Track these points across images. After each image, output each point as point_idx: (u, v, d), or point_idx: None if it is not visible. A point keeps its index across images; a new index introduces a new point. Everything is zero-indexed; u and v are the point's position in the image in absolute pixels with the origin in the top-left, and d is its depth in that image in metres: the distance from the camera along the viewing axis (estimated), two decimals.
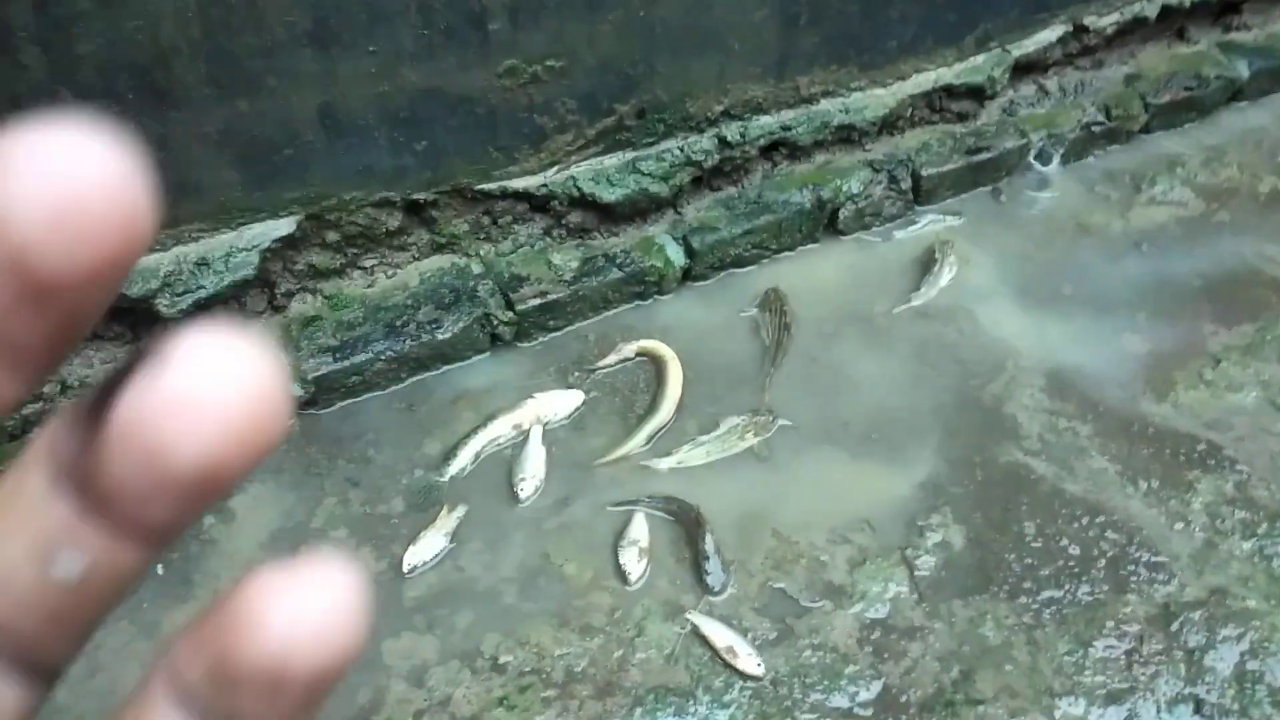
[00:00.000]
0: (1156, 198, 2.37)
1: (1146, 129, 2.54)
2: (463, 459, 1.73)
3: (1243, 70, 2.62)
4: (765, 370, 1.93)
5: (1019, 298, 2.11)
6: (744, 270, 2.17)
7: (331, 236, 1.85)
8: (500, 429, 1.78)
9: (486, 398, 1.87)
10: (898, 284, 2.14)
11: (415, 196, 1.87)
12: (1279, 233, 2.27)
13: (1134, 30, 2.53)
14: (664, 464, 1.75)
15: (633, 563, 1.56)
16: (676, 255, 2.07)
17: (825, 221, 2.21)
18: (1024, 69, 2.42)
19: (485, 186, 1.92)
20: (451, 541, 1.62)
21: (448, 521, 1.64)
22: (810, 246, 2.23)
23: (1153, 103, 2.51)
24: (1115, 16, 2.46)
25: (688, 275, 2.11)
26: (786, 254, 2.21)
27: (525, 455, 1.73)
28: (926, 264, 2.16)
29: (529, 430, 1.78)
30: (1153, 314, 2.06)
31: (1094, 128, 2.44)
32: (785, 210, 2.15)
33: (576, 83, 1.87)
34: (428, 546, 1.60)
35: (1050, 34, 2.39)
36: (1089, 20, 2.43)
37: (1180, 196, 2.37)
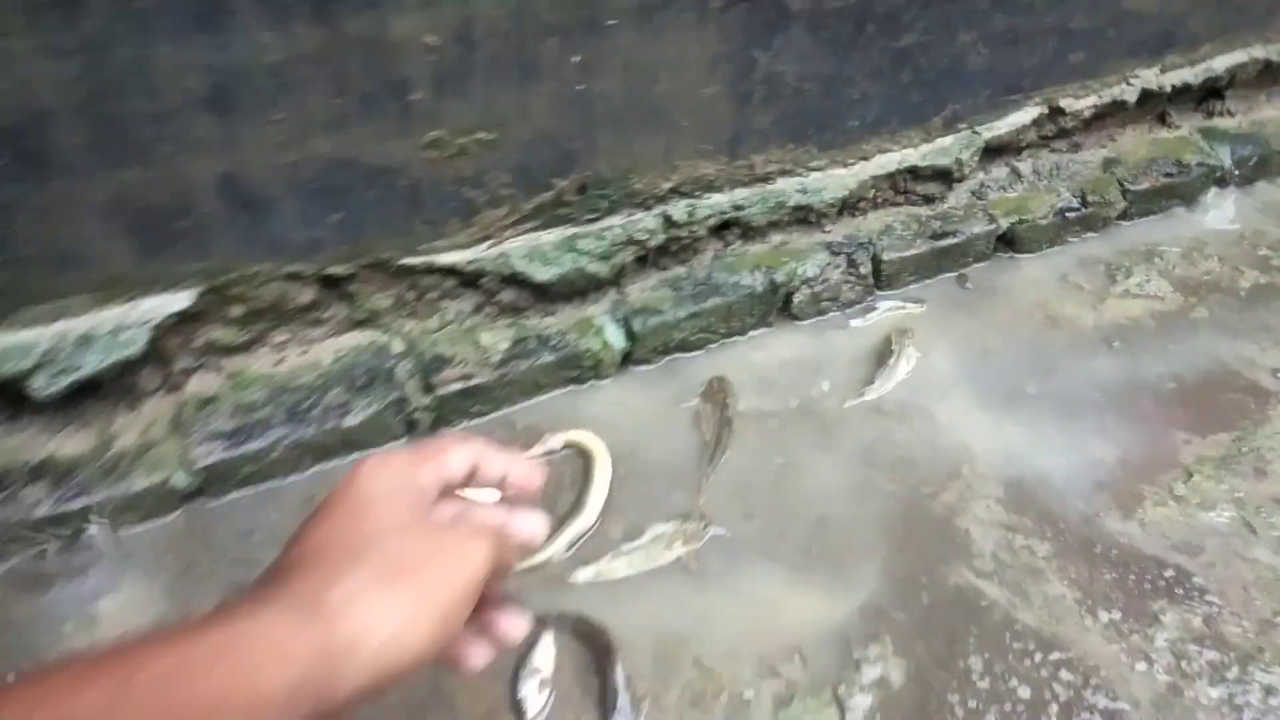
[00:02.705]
0: (1132, 290, 2.25)
1: (1125, 216, 2.43)
2: None
3: (1225, 157, 2.52)
4: (702, 470, 1.79)
5: (980, 395, 1.97)
6: (690, 355, 2.04)
7: (236, 311, 1.72)
8: None
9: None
10: (852, 375, 2.01)
11: (331, 270, 1.74)
12: (1259, 331, 2.15)
13: (1113, 114, 2.44)
14: (582, 575, 1.60)
15: (532, 695, 1.41)
16: (616, 338, 1.94)
17: (779, 305, 2.09)
18: (995, 151, 2.31)
19: (409, 261, 1.80)
20: None
21: None
22: (762, 331, 2.10)
23: (1131, 189, 2.41)
24: (1093, 100, 2.36)
25: (628, 359, 1.98)
26: (737, 339, 2.08)
27: None
28: (883, 354, 2.03)
29: None
30: (1122, 418, 1.93)
31: (1069, 214, 2.33)
32: (735, 293, 2.02)
33: (509, 156, 1.75)
34: None
35: (1024, 115, 2.29)
36: (1065, 103, 2.33)
37: (1157, 289, 2.26)
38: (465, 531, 0.80)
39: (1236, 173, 2.55)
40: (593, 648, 1.48)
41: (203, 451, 1.66)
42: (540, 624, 1.51)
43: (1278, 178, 2.63)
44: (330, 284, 1.78)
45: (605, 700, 1.41)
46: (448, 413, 1.82)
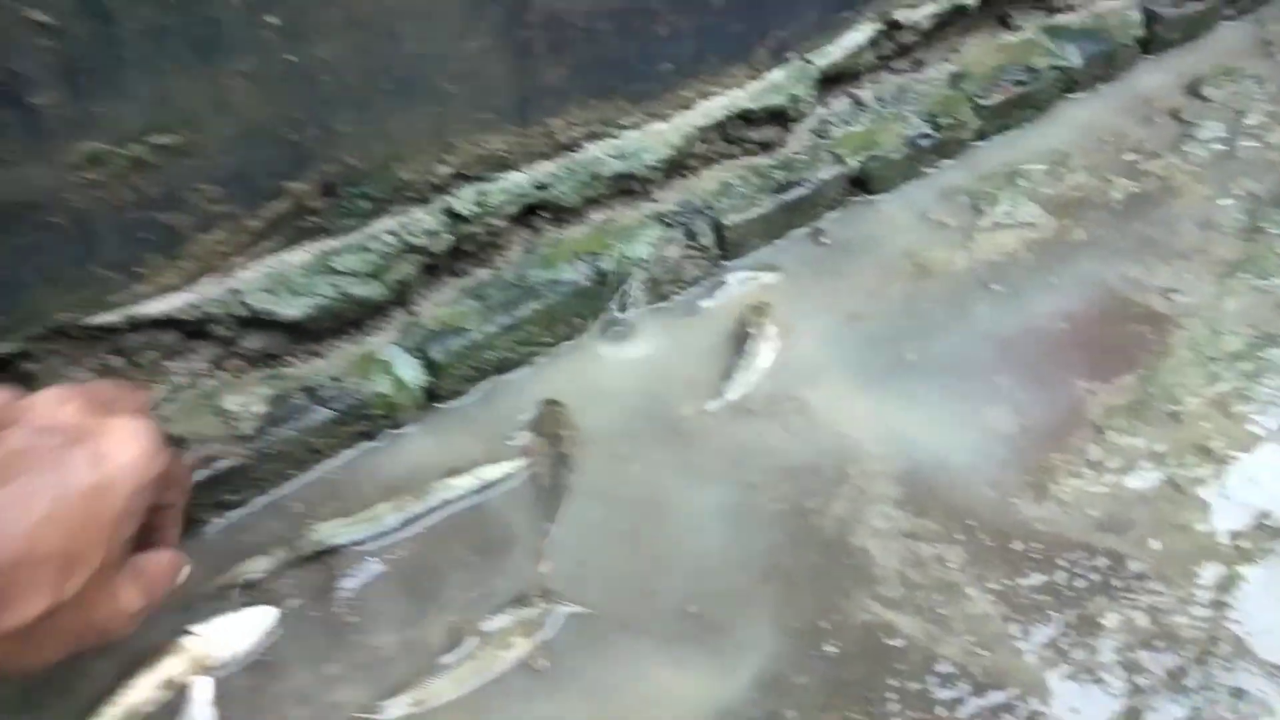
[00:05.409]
0: (1001, 220, 1.99)
1: (980, 136, 2.17)
2: None
3: (1075, 57, 2.29)
4: (540, 529, 1.42)
5: (855, 373, 1.67)
6: (511, 376, 1.64)
7: None
8: (143, 692, 1.19)
9: (132, 634, 1.27)
10: (709, 370, 1.67)
11: None
12: (1141, 247, 1.94)
13: (954, 21, 2.16)
14: (392, 709, 1.21)
15: None
16: (411, 374, 1.53)
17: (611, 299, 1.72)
18: (832, 80, 1.99)
19: (102, 319, 1.33)
20: None
21: None
22: (596, 332, 1.72)
23: (983, 104, 2.14)
24: (931, 7, 2.07)
25: (432, 396, 1.57)
26: (566, 346, 1.70)
27: None
28: (740, 339, 1.70)
29: (191, 687, 1.20)
30: (1016, 375, 1.67)
31: (921, 142, 2.05)
32: (556, 292, 1.64)
33: (212, 161, 1.29)
34: None
35: (858, 35, 1.97)
36: (901, 14, 2.03)
37: (1027, 215, 2.01)
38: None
39: (1087, 72, 2.33)
40: None
41: None
42: None
43: (1126, 73, 2.43)
44: None
45: None
46: (193, 510, 1.37)
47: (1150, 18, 2.42)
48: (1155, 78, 2.41)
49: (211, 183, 1.31)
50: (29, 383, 1.33)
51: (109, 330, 1.35)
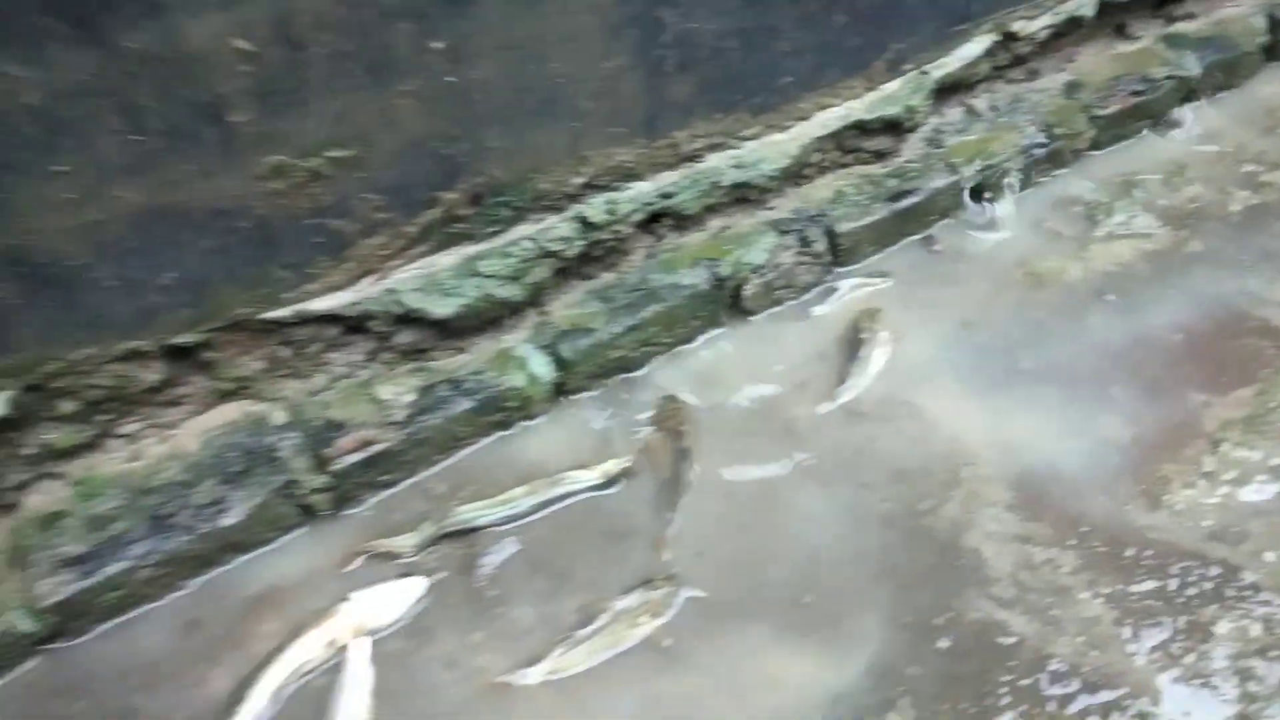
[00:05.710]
0: (1116, 230, 1.99)
1: (1095, 145, 2.17)
2: (255, 704, 1.27)
3: (1193, 66, 2.27)
4: (662, 518, 1.51)
5: (968, 378, 1.71)
6: (634, 374, 1.74)
7: (67, 406, 1.39)
8: (309, 650, 1.32)
9: (297, 596, 1.42)
10: (822, 373, 1.74)
11: (176, 340, 1.42)
12: (1261, 260, 1.92)
13: (1069, 32, 2.16)
14: (531, 676, 1.32)
15: None
16: (543, 369, 1.64)
17: (728, 302, 1.80)
18: (947, 90, 2.03)
19: (275, 314, 1.47)
20: None
21: None
22: (712, 334, 1.81)
23: (1099, 114, 2.14)
24: (1047, 19, 2.08)
25: (561, 390, 1.68)
26: (684, 347, 1.78)
27: (339, 691, 1.29)
28: (853, 344, 1.76)
29: (350, 648, 1.33)
30: (1130, 385, 1.69)
31: (1035, 151, 2.06)
32: (676, 295, 1.73)
33: (377, 173, 1.42)
34: None
35: (974, 47, 2.00)
36: (1018, 26, 2.05)
37: (1143, 225, 2.00)
38: None
39: (1206, 81, 2.30)
40: None
41: (51, 586, 1.33)
42: None
43: (1248, 81, 2.39)
44: (180, 355, 1.45)
45: None
46: (350, 489, 1.51)
47: (1275, 24, 2.37)
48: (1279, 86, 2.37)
49: (376, 192, 1.44)
50: (209, 370, 1.49)
51: (280, 324, 1.49)
